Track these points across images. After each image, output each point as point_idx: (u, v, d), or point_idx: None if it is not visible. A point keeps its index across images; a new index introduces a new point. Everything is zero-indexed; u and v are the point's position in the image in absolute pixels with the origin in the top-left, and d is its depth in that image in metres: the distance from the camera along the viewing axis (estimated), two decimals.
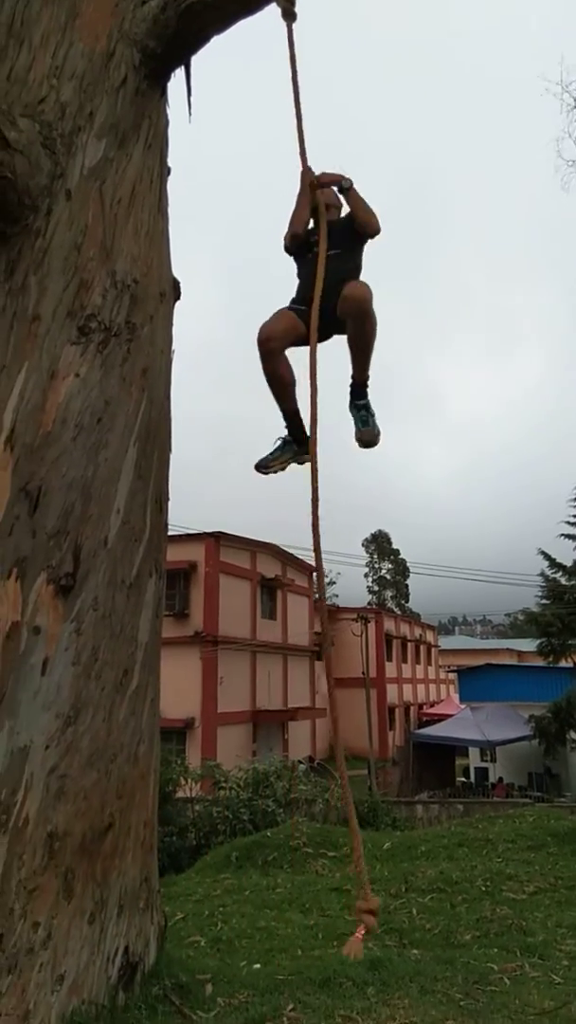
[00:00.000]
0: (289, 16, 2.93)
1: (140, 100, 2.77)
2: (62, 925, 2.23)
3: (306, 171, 3.22)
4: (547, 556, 26.63)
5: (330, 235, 3.16)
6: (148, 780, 2.61)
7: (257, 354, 3.02)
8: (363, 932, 2.34)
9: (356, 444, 3.22)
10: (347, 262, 3.18)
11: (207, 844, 10.88)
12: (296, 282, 3.34)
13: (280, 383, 3.10)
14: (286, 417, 3.21)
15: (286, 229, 3.31)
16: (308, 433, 2.97)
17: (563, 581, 26.57)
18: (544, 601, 26.99)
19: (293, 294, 3.27)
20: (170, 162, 3.05)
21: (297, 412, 3.20)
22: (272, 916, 5.34)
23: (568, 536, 26.34)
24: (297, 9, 2.92)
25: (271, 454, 3.24)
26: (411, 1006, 2.73)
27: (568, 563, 26.46)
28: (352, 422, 3.23)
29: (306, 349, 2.92)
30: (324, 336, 3.11)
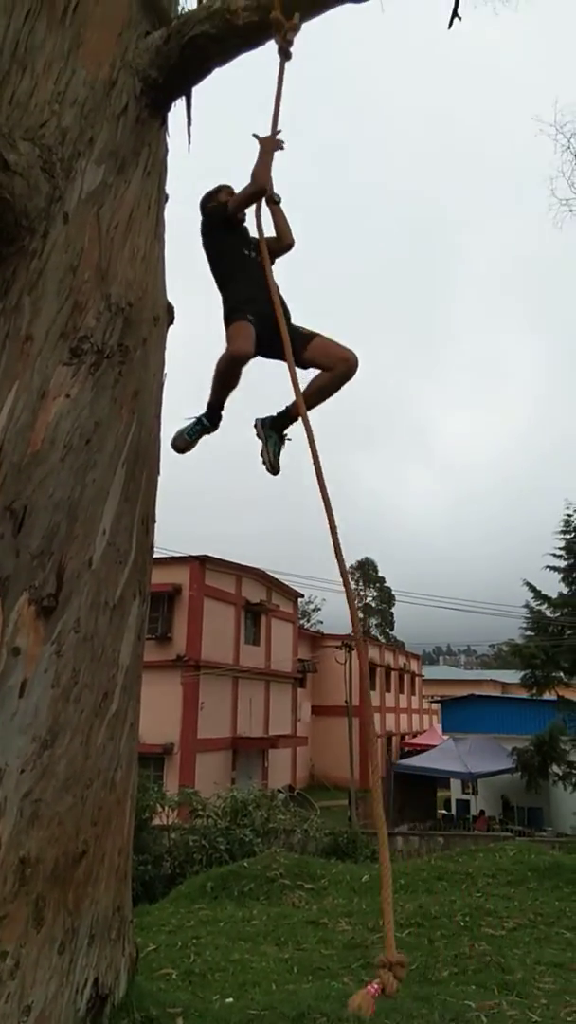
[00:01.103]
0: (284, 54, 2.99)
1: (140, 128, 2.81)
2: (30, 954, 2.18)
3: (267, 150, 3.25)
4: (532, 587, 26.70)
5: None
6: (124, 807, 2.58)
7: (225, 358, 3.10)
8: (378, 989, 2.05)
9: (267, 469, 3.35)
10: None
11: (182, 873, 10.70)
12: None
13: (230, 386, 3.21)
14: (217, 406, 3.31)
15: (252, 187, 3.24)
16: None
17: (548, 613, 26.64)
18: (528, 633, 27.02)
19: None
20: (169, 189, 3.09)
21: (222, 406, 3.32)
22: (247, 949, 5.25)
23: (553, 568, 26.45)
24: (292, 49, 2.98)
25: (189, 432, 3.33)
26: None
27: (553, 595, 26.54)
28: (269, 444, 3.33)
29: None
30: (268, 352, 3.20)
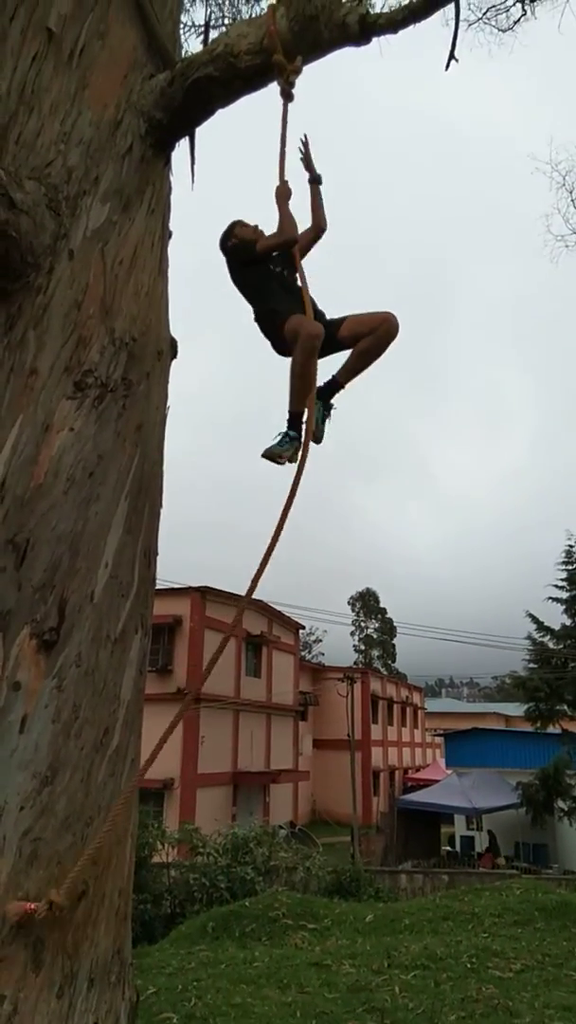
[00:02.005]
0: (287, 96, 3.05)
1: (145, 167, 2.85)
2: (29, 999, 2.12)
3: (284, 186, 3.33)
4: (535, 619, 26.58)
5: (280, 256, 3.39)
6: (125, 845, 2.53)
7: (301, 347, 3.09)
8: None
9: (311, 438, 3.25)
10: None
11: (183, 913, 10.50)
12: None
13: (311, 383, 3.18)
14: (296, 417, 3.27)
15: (280, 237, 3.33)
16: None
17: (551, 645, 26.47)
18: (532, 665, 26.81)
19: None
20: (172, 226, 3.13)
21: (304, 413, 3.26)
22: (248, 992, 5.13)
23: (555, 599, 26.34)
24: (295, 91, 3.04)
25: (280, 446, 3.28)
26: None
27: (556, 626, 26.39)
28: (319, 421, 3.34)
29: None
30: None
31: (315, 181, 3.51)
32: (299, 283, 3.15)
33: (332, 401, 3.41)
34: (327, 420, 3.38)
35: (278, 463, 3.28)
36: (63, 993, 2.22)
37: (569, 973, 5.37)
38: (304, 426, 3.20)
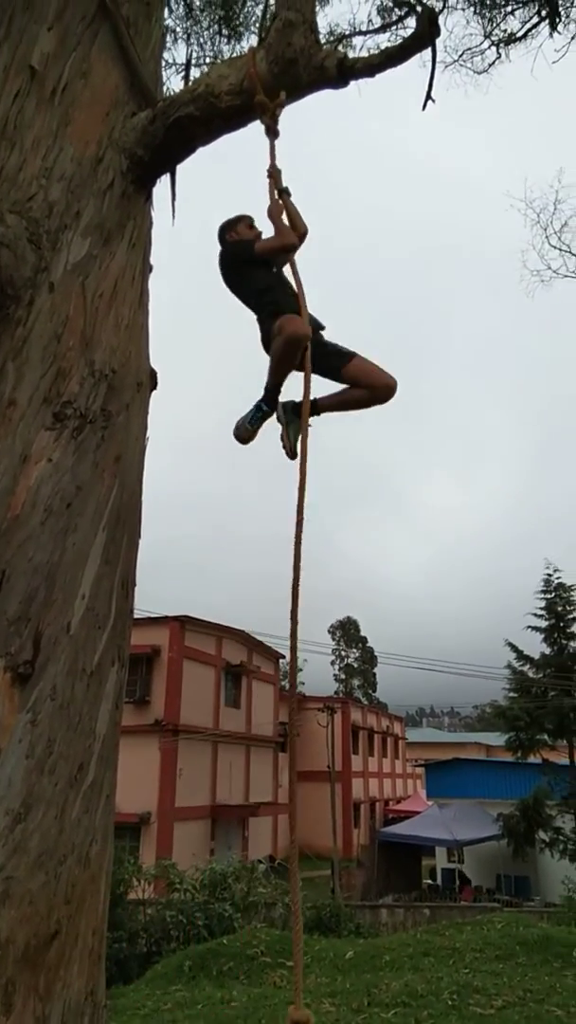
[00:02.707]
0: (272, 133, 3.12)
1: (126, 203, 2.89)
2: None
3: (276, 204, 3.43)
4: (514, 648, 26.65)
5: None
6: (99, 883, 2.48)
7: (283, 340, 3.15)
8: None
9: (286, 453, 3.33)
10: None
11: (159, 951, 10.27)
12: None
13: (290, 369, 3.27)
14: (274, 390, 3.35)
15: (281, 240, 3.40)
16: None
17: (531, 674, 26.51)
18: (512, 694, 26.81)
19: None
20: (153, 260, 3.16)
21: (280, 387, 3.37)
22: None
23: (535, 628, 26.44)
24: (280, 127, 3.11)
25: (250, 420, 3.37)
26: None
27: (535, 655, 26.46)
28: (290, 429, 3.36)
29: None
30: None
31: (284, 193, 3.57)
32: (296, 288, 3.18)
33: (310, 423, 3.43)
34: (299, 436, 3.41)
35: (245, 440, 3.38)
36: None
37: (551, 1009, 5.30)
38: (275, 402, 3.35)
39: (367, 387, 3.39)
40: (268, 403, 3.40)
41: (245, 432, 3.40)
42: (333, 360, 3.33)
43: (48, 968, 2.23)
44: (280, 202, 3.43)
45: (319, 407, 3.46)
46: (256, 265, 3.57)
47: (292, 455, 3.36)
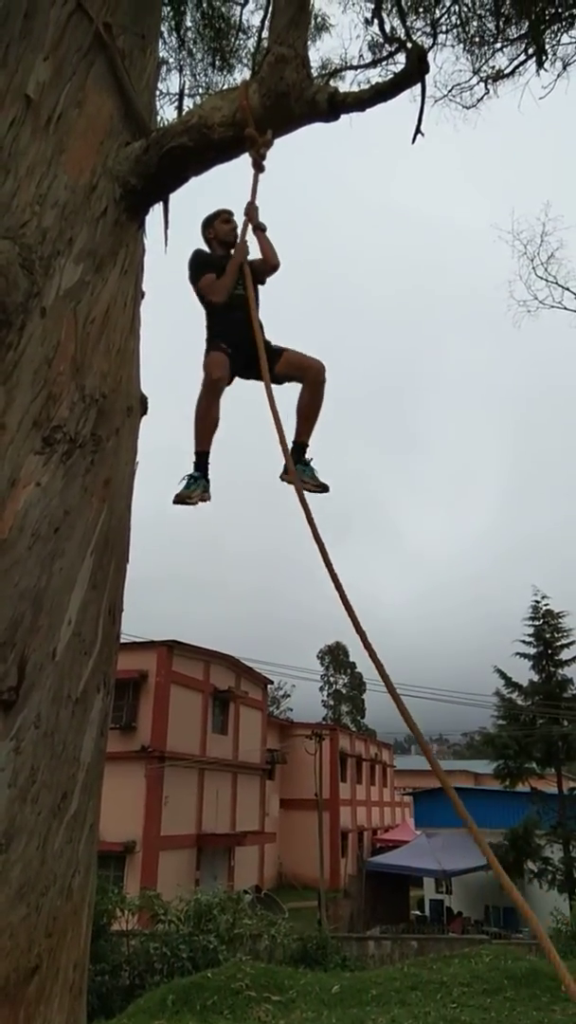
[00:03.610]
0: (258, 167, 3.18)
1: (118, 230, 2.92)
2: None
3: (242, 245, 3.61)
4: (503, 674, 26.58)
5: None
6: (81, 916, 2.43)
7: (203, 394, 3.38)
8: None
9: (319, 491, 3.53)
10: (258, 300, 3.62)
11: (142, 984, 10.06)
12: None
13: (213, 424, 3.47)
14: (201, 456, 3.52)
15: (215, 288, 3.63)
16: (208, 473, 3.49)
17: (519, 701, 26.42)
18: (500, 722, 26.69)
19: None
20: (145, 287, 3.19)
21: (208, 452, 3.55)
22: None
23: (523, 655, 26.40)
24: (266, 163, 3.16)
25: (188, 489, 3.49)
26: None
27: (524, 682, 26.38)
28: (305, 475, 3.53)
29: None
30: (245, 373, 3.52)
31: (260, 228, 3.72)
32: (251, 309, 3.24)
33: (308, 457, 3.60)
34: (311, 470, 3.56)
35: (189, 504, 3.48)
36: None
37: None
38: (207, 468, 3.51)
39: (297, 379, 3.52)
40: (200, 468, 3.53)
41: (189, 501, 3.48)
42: (270, 361, 3.39)
43: (28, 1003, 2.17)
44: (247, 243, 3.60)
45: (302, 443, 3.60)
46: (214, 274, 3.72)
47: (324, 488, 3.55)
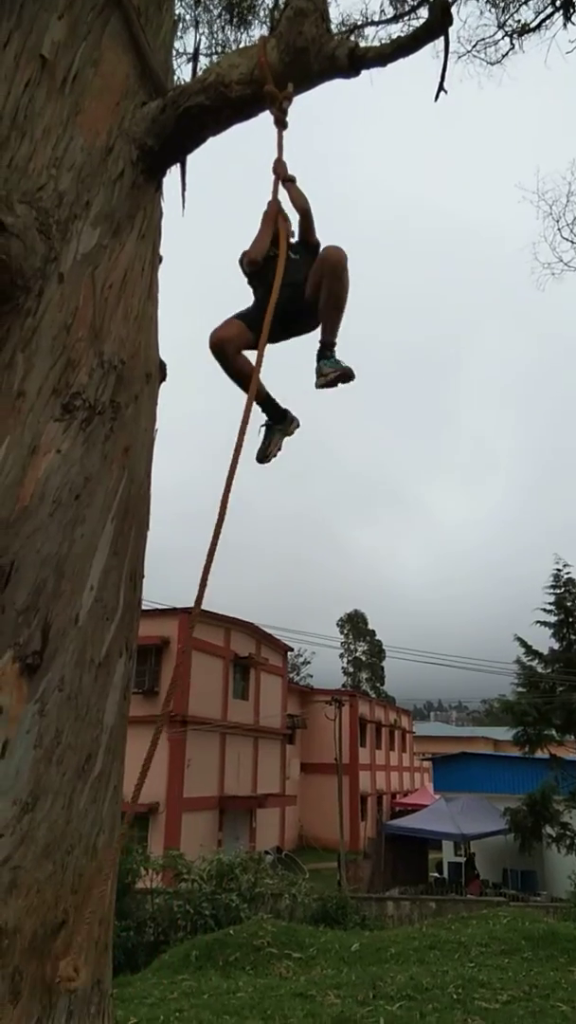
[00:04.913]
0: (280, 124, 3.10)
1: (136, 193, 2.88)
2: None
3: (273, 201, 3.44)
4: (523, 643, 26.55)
5: (290, 246, 3.43)
6: (106, 874, 2.49)
7: (216, 362, 3.34)
8: None
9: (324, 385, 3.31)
10: (302, 267, 3.46)
11: (166, 940, 10.34)
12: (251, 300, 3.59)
13: (245, 378, 3.32)
14: (260, 404, 3.46)
15: (246, 253, 3.50)
16: (279, 408, 3.47)
17: (539, 669, 26.42)
18: (520, 689, 26.73)
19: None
20: (163, 251, 3.15)
21: (268, 395, 3.49)
22: (231, 1023, 5.03)
23: (544, 623, 26.34)
24: (288, 119, 3.09)
25: (263, 443, 3.48)
26: None
27: (544, 650, 26.37)
28: (266, 442, 3.50)
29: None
30: (281, 337, 3.40)
31: (289, 180, 3.50)
32: (278, 270, 3.13)
33: (332, 354, 3.36)
34: (332, 361, 3.32)
35: (270, 460, 3.48)
36: None
37: (556, 1004, 5.29)
38: (276, 411, 3.47)
39: (320, 277, 3.26)
40: (271, 416, 3.50)
41: (262, 456, 3.49)
42: (307, 304, 3.31)
43: (55, 957, 2.24)
44: (279, 200, 3.44)
45: (329, 343, 3.36)
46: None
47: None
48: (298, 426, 3.52)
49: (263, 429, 3.51)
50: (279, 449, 3.51)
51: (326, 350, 3.35)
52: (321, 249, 3.32)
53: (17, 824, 2.16)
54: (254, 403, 3.37)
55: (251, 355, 3.26)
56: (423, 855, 29.27)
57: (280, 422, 3.52)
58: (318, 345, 3.35)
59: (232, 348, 3.36)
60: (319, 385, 3.29)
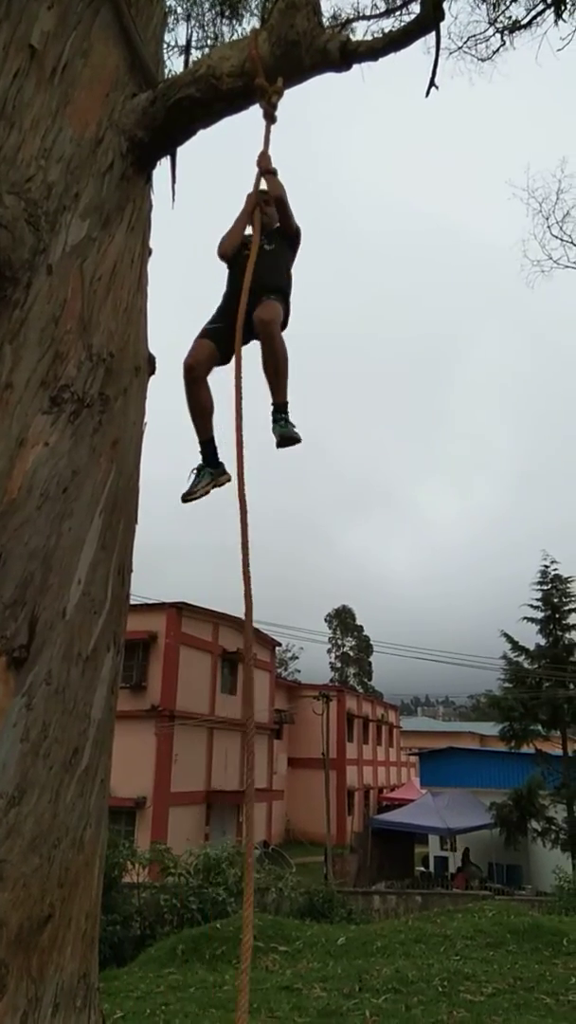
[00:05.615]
0: (269, 118, 3.09)
1: (125, 185, 2.86)
2: None
3: (251, 195, 3.41)
4: (510, 638, 26.70)
5: (265, 235, 3.41)
6: (93, 867, 2.49)
7: (183, 385, 3.30)
8: None
9: (276, 446, 3.32)
10: (279, 258, 3.46)
11: (152, 934, 10.34)
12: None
13: (203, 411, 3.35)
14: (203, 445, 3.44)
15: (221, 241, 3.50)
16: (216, 456, 3.39)
17: (526, 665, 26.58)
18: (507, 685, 26.90)
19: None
20: (153, 244, 3.14)
21: (212, 440, 3.45)
22: (217, 1017, 5.05)
23: (530, 619, 26.49)
24: (277, 113, 3.08)
25: (193, 484, 3.42)
26: None
27: (531, 646, 26.52)
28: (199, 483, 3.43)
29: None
30: (252, 337, 3.28)
31: (270, 172, 3.44)
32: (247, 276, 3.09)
33: (284, 415, 3.33)
34: (291, 426, 3.30)
35: (197, 498, 3.41)
36: (27, 1018, 2.16)
37: (540, 997, 5.34)
38: (213, 455, 3.42)
39: (260, 343, 3.23)
40: (208, 461, 3.42)
41: (191, 496, 3.42)
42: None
43: (41, 951, 2.24)
44: (257, 193, 3.40)
45: (279, 404, 3.32)
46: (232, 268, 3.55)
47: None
48: (228, 480, 3.36)
49: (194, 472, 3.43)
50: (206, 494, 3.42)
51: (278, 413, 3.31)
52: (256, 308, 3.18)
53: (3, 817, 2.15)
54: (207, 433, 3.41)
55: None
56: (409, 849, 29.40)
57: (214, 467, 3.44)
58: (272, 407, 3.30)
59: (202, 373, 3.32)
60: (283, 442, 3.30)
